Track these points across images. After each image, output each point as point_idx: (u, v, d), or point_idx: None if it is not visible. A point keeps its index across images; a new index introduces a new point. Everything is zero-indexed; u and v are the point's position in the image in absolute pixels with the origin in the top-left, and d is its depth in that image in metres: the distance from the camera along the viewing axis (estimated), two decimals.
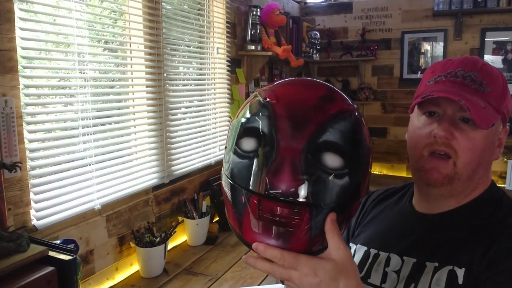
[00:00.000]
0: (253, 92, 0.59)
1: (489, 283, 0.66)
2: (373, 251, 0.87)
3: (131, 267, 1.76)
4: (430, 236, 0.79)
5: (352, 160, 0.56)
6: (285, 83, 0.62)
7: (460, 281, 0.70)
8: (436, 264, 0.74)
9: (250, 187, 0.54)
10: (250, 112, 0.58)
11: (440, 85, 0.75)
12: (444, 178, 0.74)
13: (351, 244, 0.94)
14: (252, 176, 0.54)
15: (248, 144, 0.56)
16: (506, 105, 0.76)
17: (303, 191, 0.53)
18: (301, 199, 0.53)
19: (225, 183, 0.59)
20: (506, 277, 0.66)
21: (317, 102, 0.56)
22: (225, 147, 0.61)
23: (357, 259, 0.89)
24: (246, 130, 0.57)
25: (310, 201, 0.53)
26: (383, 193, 0.98)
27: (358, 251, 0.90)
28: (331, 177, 0.54)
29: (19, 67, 1.27)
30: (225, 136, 2.45)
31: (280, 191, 0.52)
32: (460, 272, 0.70)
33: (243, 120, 0.58)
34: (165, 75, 1.93)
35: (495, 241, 0.69)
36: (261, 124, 0.55)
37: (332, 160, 0.54)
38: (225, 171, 0.59)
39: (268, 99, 0.57)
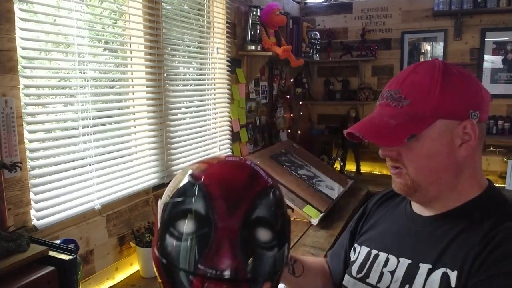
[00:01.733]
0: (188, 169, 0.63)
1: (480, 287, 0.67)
2: (373, 252, 0.89)
3: (131, 267, 1.76)
4: (425, 238, 0.80)
5: (279, 231, 0.60)
6: (215, 164, 0.65)
7: (453, 284, 0.71)
8: (430, 266, 0.75)
9: (192, 269, 0.55)
10: (183, 194, 0.60)
11: (375, 110, 0.83)
12: (404, 187, 0.80)
13: (355, 245, 0.96)
14: (193, 257, 0.55)
15: (185, 226, 0.57)
16: (445, 104, 0.74)
17: (243, 268, 0.55)
18: (242, 276, 0.55)
19: (163, 267, 0.59)
20: (496, 283, 0.66)
21: (246, 181, 0.60)
22: (158, 229, 0.61)
23: (360, 259, 0.91)
24: (182, 212, 0.58)
25: (249, 276, 0.56)
26: (385, 195, 1.00)
27: (361, 252, 0.93)
28: (265, 250, 0.58)
29: (19, 67, 1.27)
30: (225, 136, 2.43)
31: (222, 270, 0.54)
32: (453, 275, 0.72)
33: (177, 200, 0.59)
34: (165, 75, 1.93)
35: (487, 245, 0.70)
36: (197, 205, 0.57)
37: (264, 234, 0.58)
38: (160, 254, 0.59)
39: (201, 180, 0.59)
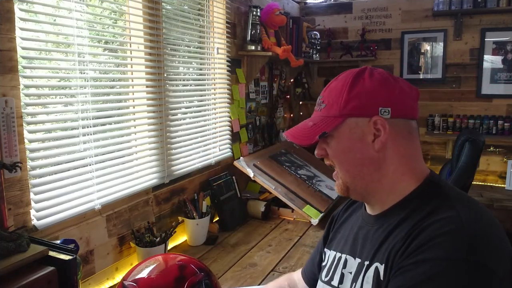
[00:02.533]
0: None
1: (397, 277, 0.70)
2: (338, 255, 0.92)
3: (131, 267, 1.76)
4: (370, 236, 0.84)
5: None
6: (145, 274, 0.76)
7: (382, 277, 0.74)
8: (368, 262, 0.79)
9: None
10: None
11: None
12: (341, 188, 0.87)
13: (325, 250, 1.00)
14: None
15: None
16: (352, 103, 0.79)
17: None
18: None
19: None
20: (406, 274, 0.68)
21: (174, 285, 0.74)
22: None
23: (328, 263, 0.95)
24: None
25: None
26: (350, 199, 1.02)
27: (330, 256, 0.96)
28: None
29: (19, 67, 1.27)
30: (225, 136, 2.43)
31: None
32: (381, 268, 0.75)
33: None
34: (165, 75, 1.93)
35: (409, 236, 0.72)
36: None
37: None
38: None
39: None
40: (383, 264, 0.75)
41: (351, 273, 0.84)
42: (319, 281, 0.96)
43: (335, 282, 0.88)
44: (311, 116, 0.88)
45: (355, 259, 0.85)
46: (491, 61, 3.21)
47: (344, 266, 0.87)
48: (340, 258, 0.90)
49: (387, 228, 0.79)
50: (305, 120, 0.88)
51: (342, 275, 0.87)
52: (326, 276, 0.92)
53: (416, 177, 0.81)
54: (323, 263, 0.98)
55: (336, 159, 0.84)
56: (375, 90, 0.80)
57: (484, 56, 3.21)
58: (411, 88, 0.83)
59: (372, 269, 0.77)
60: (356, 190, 0.85)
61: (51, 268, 1.06)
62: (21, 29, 1.27)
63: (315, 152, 0.88)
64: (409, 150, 0.82)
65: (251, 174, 2.39)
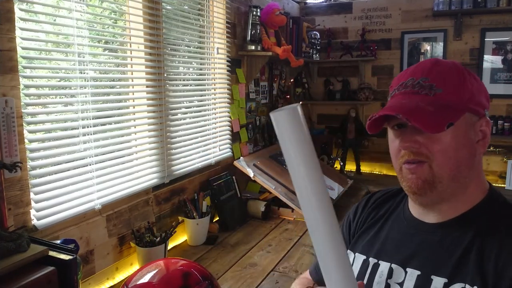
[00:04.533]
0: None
1: None
2: (372, 261, 0.83)
3: (131, 267, 1.76)
4: (433, 246, 0.75)
5: None
6: (142, 285, 0.72)
7: None
8: (446, 280, 0.71)
9: None
10: None
11: (394, 100, 0.76)
12: (424, 183, 0.73)
13: (349, 252, 0.90)
14: None
15: None
16: (473, 97, 0.73)
17: None
18: None
19: None
20: None
21: None
22: None
23: (355, 268, 0.85)
24: None
25: None
26: (381, 196, 0.94)
27: (356, 260, 0.87)
28: None
29: (19, 67, 1.27)
30: (225, 136, 2.43)
31: None
32: None
33: None
34: (165, 75, 1.93)
35: (502, 252, 0.67)
36: None
37: None
38: None
39: None
40: (475, 287, 0.67)
41: (400, 284, 0.75)
42: None
43: None
44: (412, 98, 0.73)
45: (406, 269, 0.76)
46: (491, 61, 3.21)
47: (389, 276, 0.78)
48: (376, 264, 0.81)
49: (460, 240, 0.73)
50: (412, 101, 0.72)
51: (388, 286, 0.77)
52: None
53: (484, 185, 0.78)
54: None
55: (444, 155, 0.71)
56: (484, 89, 0.75)
57: (484, 56, 3.21)
58: None
59: None
60: (442, 192, 0.73)
61: (51, 268, 1.06)
62: (21, 29, 1.27)
63: (404, 144, 0.73)
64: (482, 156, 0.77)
65: (251, 174, 2.39)
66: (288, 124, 0.53)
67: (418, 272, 0.74)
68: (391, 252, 0.80)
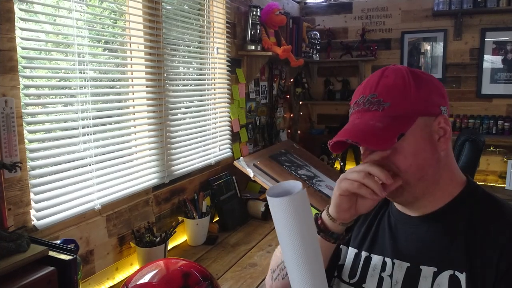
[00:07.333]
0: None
1: None
2: (364, 254, 0.86)
3: (131, 267, 1.76)
4: (420, 238, 0.79)
5: None
6: (142, 285, 0.72)
7: (464, 285, 0.70)
8: (435, 269, 0.74)
9: None
10: None
11: (350, 119, 0.81)
12: (398, 188, 0.76)
13: (342, 246, 0.93)
14: None
15: None
16: (422, 101, 0.75)
17: None
18: None
19: None
20: None
21: None
22: None
23: (348, 262, 0.88)
24: None
25: None
26: None
27: (349, 253, 0.90)
28: None
29: (19, 67, 1.27)
30: (225, 136, 2.42)
31: None
32: (462, 277, 0.71)
33: None
34: (165, 75, 1.93)
35: (503, 255, 0.69)
36: None
37: None
38: None
39: None
40: (464, 273, 0.71)
41: (390, 276, 0.79)
42: (339, 281, 0.89)
43: (370, 286, 0.82)
44: (364, 116, 0.78)
45: (393, 260, 0.80)
46: (491, 61, 3.21)
47: (383, 269, 0.81)
48: (368, 258, 0.85)
49: (444, 231, 0.76)
50: (362, 121, 0.77)
51: (381, 279, 0.80)
52: (351, 277, 0.86)
53: (458, 178, 0.81)
54: (340, 262, 0.91)
55: (404, 162, 0.75)
56: (435, 89, 0.78)
57: (484, 56, 3.21)
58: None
59: (445, 275, 0.73)
60: (413, 192, 0.78)
61: (51, 268, 1.06)
62: (21, 29, 1.27)
63: (370, 160, 0.77)
64: (452, 150, 0.81)
65: (251, 174, 2.39)
66: (282, 213, 0.54)
67: (407, 264, 0.78)
68: (381, 246, 0.84)
